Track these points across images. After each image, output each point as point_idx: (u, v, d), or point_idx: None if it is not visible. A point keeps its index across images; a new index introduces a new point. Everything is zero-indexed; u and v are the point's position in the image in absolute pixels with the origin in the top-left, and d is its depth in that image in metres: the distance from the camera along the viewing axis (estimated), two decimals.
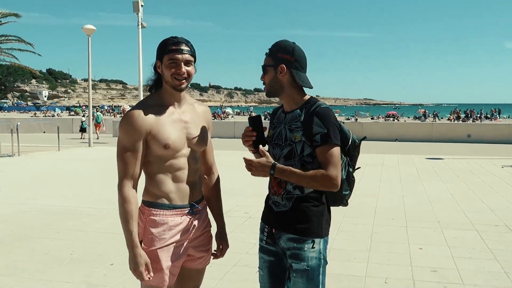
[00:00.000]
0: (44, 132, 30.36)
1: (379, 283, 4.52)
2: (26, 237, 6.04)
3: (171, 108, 2.38)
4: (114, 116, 35.27)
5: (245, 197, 8.50)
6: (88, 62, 20.52)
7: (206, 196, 2.65)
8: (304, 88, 2.46)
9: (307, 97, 2.45)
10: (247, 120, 2.54)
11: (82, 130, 27.74)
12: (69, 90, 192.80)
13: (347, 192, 2.46)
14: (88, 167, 13.30)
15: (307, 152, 2.34)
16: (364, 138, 2.57)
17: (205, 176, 2.64)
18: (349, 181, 2.45)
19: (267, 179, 2.50)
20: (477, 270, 4.87)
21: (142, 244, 2.33)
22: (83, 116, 32.85)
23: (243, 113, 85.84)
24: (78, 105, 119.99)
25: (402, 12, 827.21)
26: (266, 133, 2.52)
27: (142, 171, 2.37)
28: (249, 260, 5.14)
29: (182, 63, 2.30)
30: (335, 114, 2.42)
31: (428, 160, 14.84)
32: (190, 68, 2.34)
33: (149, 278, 2.30)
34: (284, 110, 2.49)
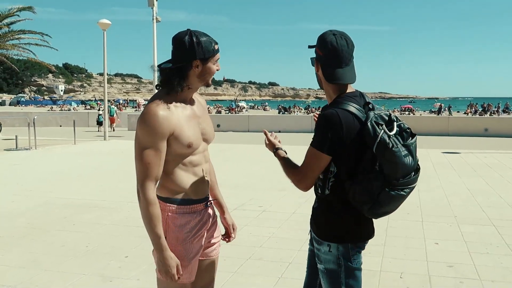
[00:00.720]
0: (61, 126, 30.74)
1: (395, 278, 4.48)
2: (43, 229, 6.10)
3: (184, 104, 2.36)
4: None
5: (259, 191, 8.49)
6: (104, 56, 20.66)
7: None
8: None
9: (349, 91, 2.33)
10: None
11: (99, 123, 28.16)
12: (85, 84, 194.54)
13: (366, 206, 2.20)
14: (104, 160, 13.40)
15: None
16: (395, 144, 2.14)
17: None
18: (369, 193, 2.18)
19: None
20: (495, 265, 4.80)
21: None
22: (99, 109, 33.19)
23: (257, 107, 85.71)
24: (93, 99, 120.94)
25: (418, 5, 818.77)
26: None
27: None
28: (263, 253, 5.13)
29: None
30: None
31: (445, 154, 14.67)
32: None
33: (179, 278, 2.31)
34: None
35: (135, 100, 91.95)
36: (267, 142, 2.59)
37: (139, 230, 5.73)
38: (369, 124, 2.17)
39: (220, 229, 2.72)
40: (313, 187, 2.36)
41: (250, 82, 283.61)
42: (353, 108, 2.23)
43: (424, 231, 6.03)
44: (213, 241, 2.58)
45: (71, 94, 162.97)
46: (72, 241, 5.61)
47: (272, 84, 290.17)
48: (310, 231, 2.49)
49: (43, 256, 5.07)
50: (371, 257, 4.98)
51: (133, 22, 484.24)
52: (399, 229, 6.10)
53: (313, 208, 2.44)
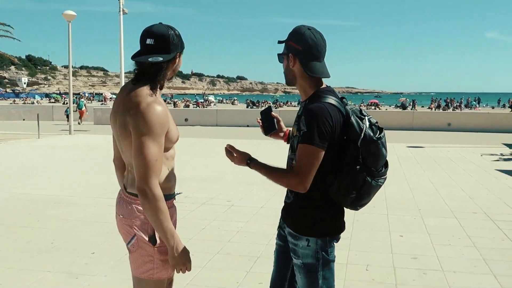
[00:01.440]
0: (24, 120, 29.95)
1: (361, 270, 4.57)
2: (6, 226, 5.96)
3: (162, 99, 2.36)
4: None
5: (227, 185, 8.49)
6: (69, 48, 20.22)
7: None
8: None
9: (323, 87, 2.35)
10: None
11: (68, 116, 27.88)
12: (49, 77, 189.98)
13: (350, 199, 2.27)
14: (69, 155, 13.12)
15: None
16: (379, 137, 2.25)
17: None
18: (354, 186, 2.24)
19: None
20: (457, 257, 4.96)
21: (158, 239, 2.26)
22: (63, 103, 32.53)
23: (225, 101, 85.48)
24: (58, 92, 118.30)
25: (385, 1, 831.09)
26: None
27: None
28: (231, 248, 5.15)
29: None
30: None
31: (409, 148, 14.99)
32: None
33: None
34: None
35: (101, 94, 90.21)
36: (235, 155, 2.43)
37: (106, 226, 5.67)
38: (353, 118, 2.23)
39: None
40: None
41: (218, 76, 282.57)
42: (335, 101, 2.26)
43: (389, 224, 6.17)
44: None
45: (35, 87, 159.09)
46: (37, 237, 5.50)
47: (241, 78, 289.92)
48: (281, 226, 2.51)
49: (7, 253, 4.95)
50: (338, 250, 5.01)
51: (99, 14, 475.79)
52: (365, 222, 6.22)
53: (287, 203, 2.43)
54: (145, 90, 2.22)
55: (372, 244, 5.36)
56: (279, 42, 2.38)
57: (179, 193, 2.54)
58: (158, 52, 2.23)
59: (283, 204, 2.50)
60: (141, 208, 2.23)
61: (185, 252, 2.25)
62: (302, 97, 2.39)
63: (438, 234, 5.72)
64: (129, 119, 2.17)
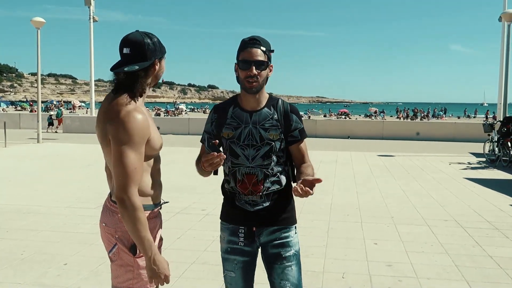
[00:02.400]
0: None
1: (337, 278, 4.60)
2: None
3: (144, 107, 2.34)
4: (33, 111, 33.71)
5: (202, 195, 8.44)
6: (37, 55, 19.83)
7: None
8: None
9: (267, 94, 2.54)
10: (206, 148, 2.30)
11: (50, 124, 27.72)
12: (15, 85, 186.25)
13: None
14: (37, 164, 12.83)
15: (282, 147, 2.47)
16: None
17: None
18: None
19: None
20: (430, 263, 5.03)
21: (138, 251, 2.23)
22: (31, 111, 31.84)
23: (197, 109, 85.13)
24: (25, 100, 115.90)
25: (353, 12, 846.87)
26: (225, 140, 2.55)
27: None
28: (207, 257, 5.11)
29: None
30: None
31: (380, 157, 15.20)
32: None
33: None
34: (245, 109, 2.46)
35: (70, 102, 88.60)
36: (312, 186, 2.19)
37: (78, 236, 5.54)
38: None
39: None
40: (265, 185, 2.41)
41: (189, 85, 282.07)
42: None
43: (363, 232, 6.22)
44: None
45: (0, 94, 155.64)
46: (5, 249, 5.34)
47: (212, 87, 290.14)
48: (246, 240, 2.49)
49: None
50: (314, 259, 5.08)
51: (67, 21, 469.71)
52: (339, 230, 6.26)
53: (264, 208, 2.43)
54: (124, 99, 2.21)
55: (348, 252, 5.39)
56: (264, 50, 2.41)
57: (166, 202, 2.51)
58: (134, 60, 2.22)
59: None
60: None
61: (163, 263, 2.21)
62: (258, 104, 2.47)
63: (411, 242, 5.81)
64: (109, 127, 2.16)
